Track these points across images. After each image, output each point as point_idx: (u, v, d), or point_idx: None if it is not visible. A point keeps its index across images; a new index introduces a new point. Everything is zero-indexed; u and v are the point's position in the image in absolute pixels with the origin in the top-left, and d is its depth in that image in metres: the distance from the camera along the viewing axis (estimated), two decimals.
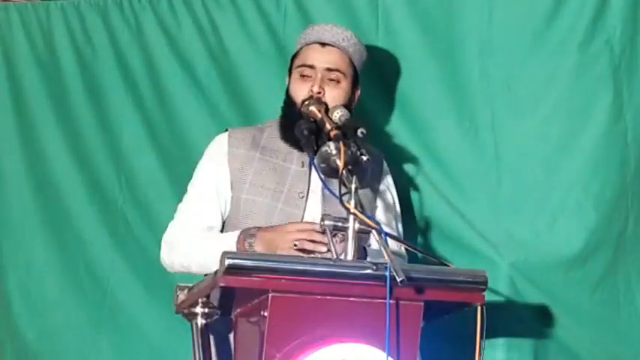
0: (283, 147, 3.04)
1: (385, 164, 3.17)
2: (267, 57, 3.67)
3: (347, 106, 2.97)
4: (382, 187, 3.12)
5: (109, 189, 3.77)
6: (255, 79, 3.66)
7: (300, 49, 3.09)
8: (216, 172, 3.02)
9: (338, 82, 3.02)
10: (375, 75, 3.54)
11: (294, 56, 3.10)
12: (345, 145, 2.65)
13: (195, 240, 2.93)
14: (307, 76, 3.01)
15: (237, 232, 2.84)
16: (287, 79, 3.12)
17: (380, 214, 3.08)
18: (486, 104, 3.44)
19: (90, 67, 3.84)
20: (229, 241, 2.82)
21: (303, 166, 3.01)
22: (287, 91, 3.08)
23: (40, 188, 3.81)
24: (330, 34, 3.05)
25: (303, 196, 2.98)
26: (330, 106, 2.93)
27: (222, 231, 3.00)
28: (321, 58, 3.02)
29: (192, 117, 3.72)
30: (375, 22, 3.58)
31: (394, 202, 3.16)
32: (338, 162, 2.63)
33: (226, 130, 3.11)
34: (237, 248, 2.79)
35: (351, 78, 3.07)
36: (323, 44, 3.04)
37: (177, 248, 2.95)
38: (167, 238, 2.99)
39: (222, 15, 3.75)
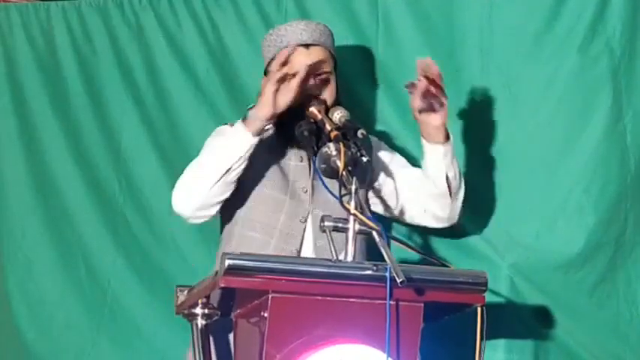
0: (278, 145, 3.02)
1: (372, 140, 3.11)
2: None
3: (338, 99, 2.97)
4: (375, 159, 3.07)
5: (108, 188, 3.77)
6: (255, 78, 3.65)
7: (279, 53, 2.99)
8: None
9: (328, 80, 2.99)
10: (375, 75, 3.54)
11: (272, 60, 3.01)
12: (345, 146, 2.65)
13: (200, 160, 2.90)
14: None
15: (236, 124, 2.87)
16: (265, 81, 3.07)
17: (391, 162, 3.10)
18: (487, 105, 3.44)
19: (90, 67, 3.85)
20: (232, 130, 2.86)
21: (301, 161, 3.01)
22: None
23: (40, 188, 3.81)
24: (308, 33, 2.98)
25: (306, 191, 2.98)
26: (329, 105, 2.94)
27: (221, 216, 2.98)
28: (309, 63, 2.94)
29: (191, 116, 3.72)
30: (375, 22, 3.58)
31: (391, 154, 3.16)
32: (338, 163, 2.62)
33: (226, 123, 3.09)
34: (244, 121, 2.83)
35: (335, 71, 3.03)
36: (307, 46, 2.98)
37: (189, 172, 2.91)
38: (179, 185, 2.94)
39: (223, 15, 3.75)
